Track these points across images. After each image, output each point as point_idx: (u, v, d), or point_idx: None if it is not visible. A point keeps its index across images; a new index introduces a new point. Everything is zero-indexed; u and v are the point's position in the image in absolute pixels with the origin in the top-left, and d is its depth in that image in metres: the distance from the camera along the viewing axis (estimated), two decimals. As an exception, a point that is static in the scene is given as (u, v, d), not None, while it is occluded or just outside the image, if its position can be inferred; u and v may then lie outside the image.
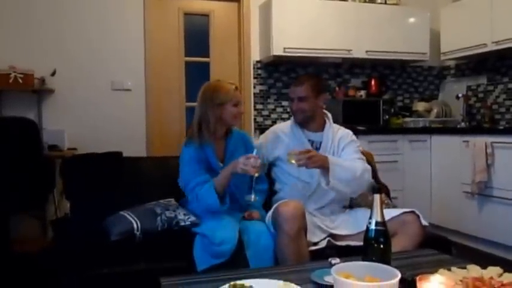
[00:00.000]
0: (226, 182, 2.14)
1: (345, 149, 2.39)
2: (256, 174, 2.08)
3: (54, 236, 2.49)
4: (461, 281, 1.38)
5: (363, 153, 2.49)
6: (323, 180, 2.21)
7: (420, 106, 4.70)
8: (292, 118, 2.50)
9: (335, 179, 2.16)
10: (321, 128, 2.44)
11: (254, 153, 2.09)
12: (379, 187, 1.50)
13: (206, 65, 4.42)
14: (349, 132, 2.51)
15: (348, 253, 1.88)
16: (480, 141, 3.59)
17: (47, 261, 2.39)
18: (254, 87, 4.44)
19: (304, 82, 2.40)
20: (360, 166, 2.27)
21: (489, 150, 3.52)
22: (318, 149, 2.38)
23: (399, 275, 1.23)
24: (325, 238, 2.20)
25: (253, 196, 2.13)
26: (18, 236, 3.49)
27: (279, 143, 2.44)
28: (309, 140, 2.41)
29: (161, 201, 2.36)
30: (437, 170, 4.13)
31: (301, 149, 2.15)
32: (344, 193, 2.29)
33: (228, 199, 2.16)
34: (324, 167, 2.17)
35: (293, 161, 2.09)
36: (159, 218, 2.19)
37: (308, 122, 2.43)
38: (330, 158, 2.21)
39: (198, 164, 2.19)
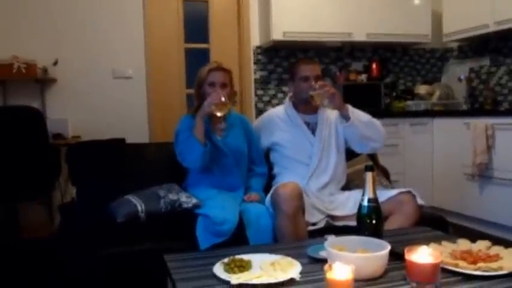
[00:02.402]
0: (201, 128, 2.20)
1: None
2: (219, 114, 2.18)
3: (62, 220, 2.55)
4: (450, 253, 1.43)
5: None
6: (342, 119, 2.33)
7: (422, 89, 4.69)
8: (286, 102, 2.53)
9: (354, 117, 2.28)
10: (316, 109, 2.46)
11: (218, 93, 2.20)
12: (371, 165, 1.54)
13: (206, 52, 4.44)
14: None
15: (345, 233, 1.92)
16: (481, 123, 3.61)
17: (55, 245, 2.45)
18: (254, 73, 4.45)
19: (315, 61, 2.47)
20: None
21: (489, 132, 3.53)
22: (314, 130, 2.43)
23: (389, 247, 1.28)
24: (323, 219, 2.25)
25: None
26: (26, 223, 3.56)
27: (275, 128, 2.48)
28: (305, 122, 2.44)
29: (164, 185, 2.41)
30: (439, 152, 4.15)
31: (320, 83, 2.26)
32: (364, 136, 2.33)
33: (209, 142, 2.24)
34: (343, 107, 2.30)
35: (323, 103, 2.27)
36: (162, 200, 2.25)
37: (308, 103, 2.42)
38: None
39: (191, 132, 2.26)
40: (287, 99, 2.55)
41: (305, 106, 2.45)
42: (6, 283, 2.73)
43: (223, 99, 2.16)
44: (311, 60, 2.49)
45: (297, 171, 2.38)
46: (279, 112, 2.53)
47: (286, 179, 2.27)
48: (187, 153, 2.23)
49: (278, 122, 2.49)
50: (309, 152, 2.39)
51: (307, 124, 2.45)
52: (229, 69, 2.39)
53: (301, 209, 2.05)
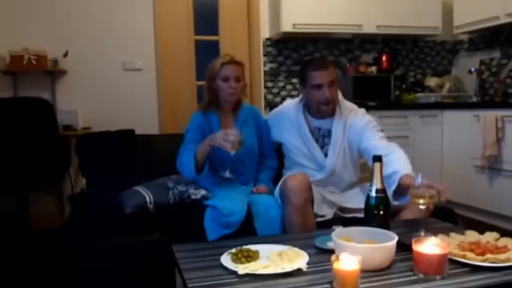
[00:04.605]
0: (204, 153, 2.14)
1: (366, 138, 2.19)
2: (233, 152, 2.04)
3: (72, 210, 2.57)
4: (458, 245, 1.42)
5: None
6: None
7: (432, 81, 4.67)
8: (297, 102, 2.37)
9: None
10: (331, 112, 2.29)
11: (236, 130, 2.02)
12: (379, 156, 1.54)
13: (216, 44, 4.44)
14: (362, 113, 2.34)
15: (353, 224, 1.92)
16: (491, 115, 3.58)
17: (66, 236, 2.48)
18: (264, 65, 4.45)
19: (328, 65, 2.19)
20: (399, 150, 2.08)
21: (499, 124, 3.50)
22: (325, 137, 2.31)
23: (396, 238, 1.28)
24: (331, 211, 2.25)
25: (227, 173, 2.19)
26: (36, 213, 3.60)
27: (283, 129, 2.40)
28: (315, 127, 2.32)
29: (173, 176, 2.43)
30: (448, 145, 4.13)
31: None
32: None
33: (207, 168, 2.18)
34: None
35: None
36: (171, 191, 2.27)
37: (327, 112, 2.28)
38: (407, 171, 1.91)
39: (198, 133, 2.26)
40: (298, 100, 2.38)
41: (319, 112, 2.29)
42: (16, 273, 2.76)
43: (237, 138, 1.99)
44: (324, 64, 2.19)
45: (306, 171, 2.28)
46: (289, 112, 2.38)
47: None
48: (184, 168, 2.20)
49: (287, 123, 2.38)
50: (317, 161, 2.31)
51: (318, 129, 2.32)
52: (241, 62, 2.32)
53: (309, 200, 2.05)
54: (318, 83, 2.16)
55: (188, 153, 2.17)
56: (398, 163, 1.96)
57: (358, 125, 2.25)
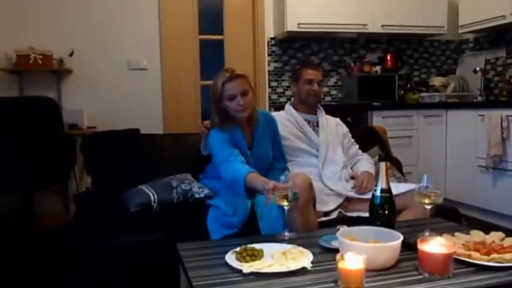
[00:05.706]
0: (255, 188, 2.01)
1: (345, 145, 2.65)
2: (286, 203, 1.79)
3: (77, 209, 2.59)
4: (463, 244, 1.42)
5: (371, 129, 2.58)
6: None
7: (437, 81, 4.65)
8: (287, 106, 2.67)
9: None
10: (313, 111, 2.64)
11: (282, 178, 1.84)
12: (385, 156, 1.54)
13: (220, 43, 4.44)
14: (339, 121, 2.74)
15: (358, 224, 1.92)
16: (496, 115, 3.57)
17: (71, 234, 2.49)
18: (268, 64, 4.44)
19: (319, 68, 2.71)
20: (366, 160, 2.63)
21: (504, 124, 3.49)
22: (315, 127, 2.59)
23: (401, 238, 1.28)
24: (336, 209, 2.27)
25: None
26: (41, 212, 3.62)
27: (279, 124, 2.49)
28: (306, 120, 2.59)
29: (177, 175, 2.44)
30: (453, 144, 4.12)
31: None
32: None
33: (257, 194, 2.07)
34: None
35: None
36: (174, 190, 2.27)
37: (311, 104, 2.61)
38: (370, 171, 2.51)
39: (226, 142, 2.16)
40: (287, 105, 2.67)
41: (305, 107, 2.60)
42: (21, 271, 2.78)
43: (288, 194, 1.79)
44: (315, 67, 2.73)
45: (306, 162, 2.45)
46: (281, 114, 2.64)
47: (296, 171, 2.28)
48: (229, 179, 2.10)
49: (280, 119, 2.54)
50: (312, 143, 2.51)
51: (308, 121, 2.60)
52: (243, 74, 2.17)
53: (311, 200, 2.05)
54: (310, 78, 2.56)
55: (244, 170, 2.04)
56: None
57: (340, 129, 2.67)
